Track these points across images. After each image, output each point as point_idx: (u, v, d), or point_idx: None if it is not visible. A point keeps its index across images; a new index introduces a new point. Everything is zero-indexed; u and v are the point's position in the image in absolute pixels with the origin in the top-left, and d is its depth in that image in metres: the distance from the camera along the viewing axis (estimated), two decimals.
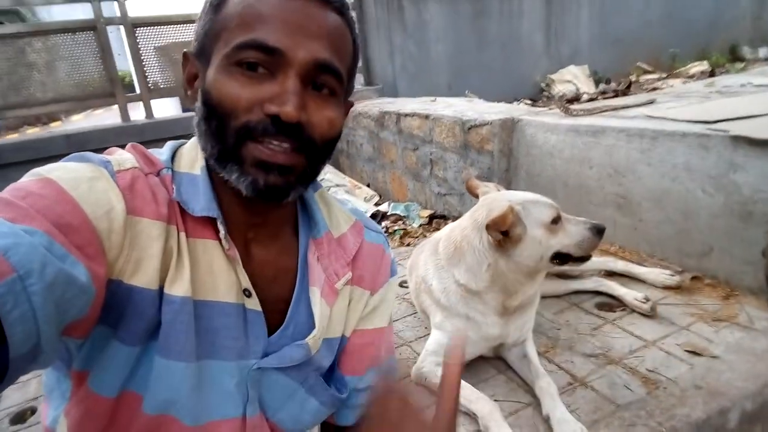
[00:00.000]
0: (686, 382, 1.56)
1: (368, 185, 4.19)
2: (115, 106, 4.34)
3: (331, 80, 0.68)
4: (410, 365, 1.73)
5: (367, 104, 4.33)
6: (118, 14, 4.14)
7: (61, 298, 0.50)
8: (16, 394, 1.87)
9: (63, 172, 0.60)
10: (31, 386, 1.91)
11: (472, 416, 1.48)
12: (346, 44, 0.71)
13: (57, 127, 9.00)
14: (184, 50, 0.73)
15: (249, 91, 0.64)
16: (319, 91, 0.68)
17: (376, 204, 3.90)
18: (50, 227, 0.52)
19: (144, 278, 0.64)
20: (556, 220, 1.56)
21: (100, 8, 4.03)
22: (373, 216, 3.64)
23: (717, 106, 2.51)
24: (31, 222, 0.51)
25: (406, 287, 2.19)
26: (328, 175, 4.21)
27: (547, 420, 1.44)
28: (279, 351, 0.76)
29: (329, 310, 0.81)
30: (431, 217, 3.41)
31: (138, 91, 4.36)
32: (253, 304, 0.73)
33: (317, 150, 0.69)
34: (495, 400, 1.52)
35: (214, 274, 0.70)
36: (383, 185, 4.08)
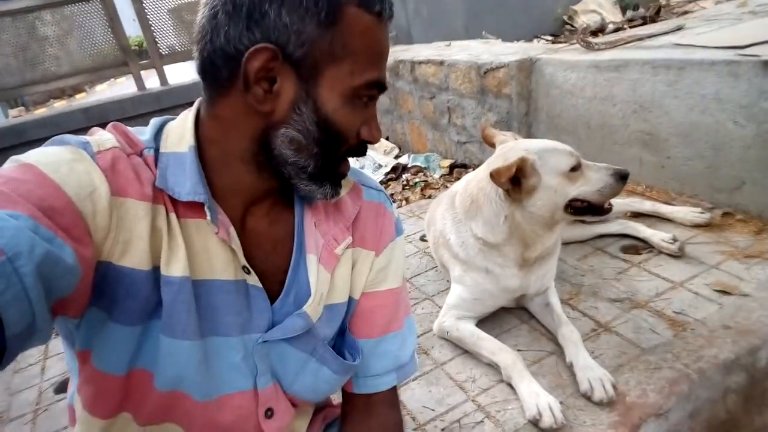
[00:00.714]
0: (715, 322, 1.52)
1: (387, 138, 4.13)
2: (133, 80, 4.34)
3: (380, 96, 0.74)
4: (432, 320, 1.74)
5: None
6: None
7: (49, 276, 0.50)
8: (59, 364, 1.97)
9: (42, 156, 0.60)
10: None
11: (495, 367, 1.49)
12: None
13: (82, 99, 9.11)
14: (263, 45, 0.62)
15: (359, 120, 0.71)
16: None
17: (396, 157, 3.86)
18: (34, 211, 0.52)
19: (134, 259, 0.64)
20: (575, 168, 1.50)
21: None
22: (394, 169, 3.60)
23: (749, 28, 2.34)
24: (14, 207, 0.51)
25: (427, 241, 2.18)
26: None
27: (570, 367, 1.44)
28: (282, 322, 0.76)
29: (329, 276, 0.80)
30: (452, 167, 3.35)
31: (150, 58, 4.33)
32: (253, 280, 0.74)
33: None
34: (518, 350, 1.53)
35: (210, 253, 0.70)
36: (402, 137, 4.02)
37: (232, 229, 0.71)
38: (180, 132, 0.71)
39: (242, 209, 0.74)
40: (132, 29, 4.36)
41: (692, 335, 1.50)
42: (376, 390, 0.89)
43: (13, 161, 0.59)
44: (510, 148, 1.55)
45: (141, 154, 0.69)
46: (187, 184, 0.67)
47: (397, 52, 4.05)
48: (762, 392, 1.48)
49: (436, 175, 3.36)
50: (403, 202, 3.11)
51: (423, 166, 3.52)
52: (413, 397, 1.49)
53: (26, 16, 3.79)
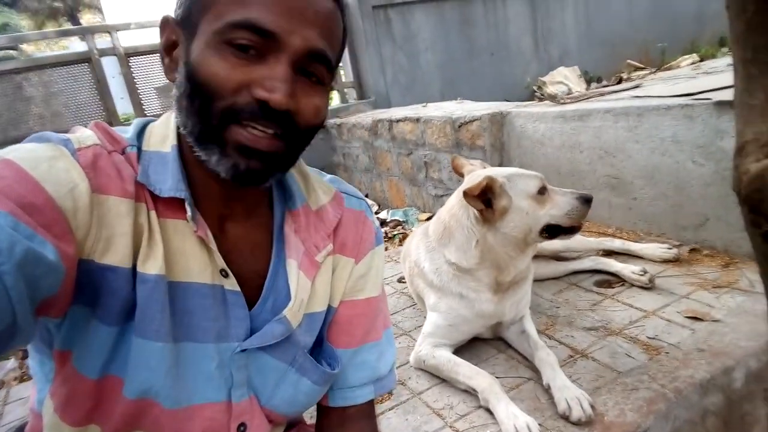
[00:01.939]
0: (688, 345, 1.53)
1: (366, 195, 4.20)
2: None
3: (321, 69, 0.66)
4: (409, 353, 1.71)
5: (361, 116, 4.37)
6: (112, 46, 4.23)
7: (31, 275, 0.49)
8: (18, 409, 1.87)
9: (22, 152, 0.59)
10: None
11: (473, 392, 1.46)
12: (339, 32, 0.69)
13: None
14: (164, 15, 0.68)
15: (238, 72, 0.61)
16: (308, 78, 0.66)
17: (375, 213, 3.91)
18: (14, 208, 0.51)
19: (116, 256, 0.63)
20: (542, 191, 1.56)
21: (93, 40, 4.12)
22: None
23: (701, 82, 2.52)
24: None
25: (404, 282, 2.18)
26: None
27: (548, 389, 1.42)
28: (261, 329, 0.74)
29: (309, 283, 0.78)
30: (429, 220, 3.40)
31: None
32: (231, 284, 0.72)
33: (299, 136, 0.68)
34: (495, 377, 1.50)
35: (187, 254, 0.69)
36: (381, 194, 4.09)
37: (208, 231, 0.69)
38: (163, 132, 0.71)
39: (218, 212, 0.73)
40: (120, 107, 4.47)
41: (667, 358, 1.50)
42: (352, 403, 0.85)
43: None
44: (478, 175, 1.60)
45: (123, 152, 0.68)
46: (169, 181, 0.67)
47: (376, 114, 4.22)
48: (741, 416, 1.47)
49: (414, 228, 3.40)
50: None
51: (402, 219, 3.57)
52: (389, 426, 1.44)
53: (14, 77, 3.89)
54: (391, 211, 3.79)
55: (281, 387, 0.78)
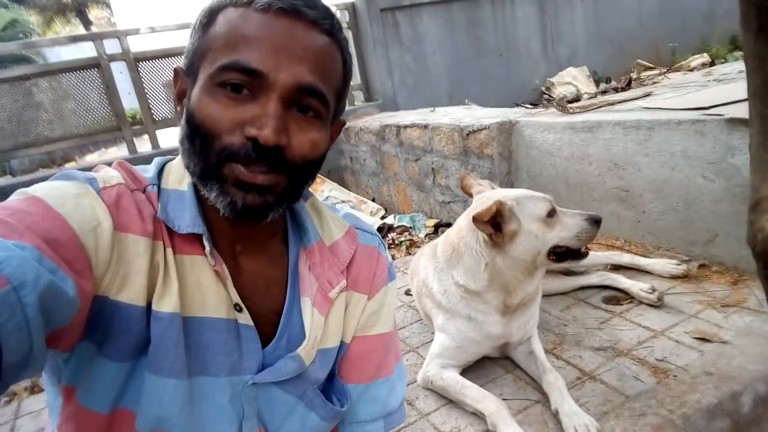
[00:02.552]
0: (696, 369, 1.53)
1: (373, 200, 4.21)
2: (125, 145, 4.43)
3: (315, 103, 0.67)
4: (416, 371, 1.72)
5: (368, 120, 4.37)
6: (121, 51, 4.25)
7: (48, 307, 0.51)
8: (30, 424, 1.90)
9: (49, 190, 0.61)
10: (44, 415, 1.93)
11: (480, 416, 1.47)
12: (334, 66, 0.70)
13: (71, 167, 9.19)
14: (175, 66, 0.73)
15: (231, 112, 0.63)
16: (305, 113, 0.67)
17: (382, 218, 3.92)
18: (39, 242, 0.53)
19: (131, 294, 0.64)
20: (551, 213, 1.55)
21: (103, 45, 4.14)
22: (380, 229, 3.65)
23: (713, 92, 2.50)
24: (20, 237, 0.52)
25: (411, 295, 2.18)
26: (333, 191, 4.24)
27: (556, 414, 1.42)
28: (274, 365, 0.75)
29: (323, 319, 0.79)
30: (437, 226, 3.41)
31: (144, 123, 4.46)
32: (245, 318, 0.73)
33: (298, 171, 0.68)
34: (503, 399, 1.51)
35: (203, 290, 0.70)
36: (388, 198, 4.10)
37: (224, 266, 0.71)
38: (181, 171, 0.73)
39: (232, 248, 0.75)
40: (126, 103, 4.49)
41: (675, 382, 1.50)
42: None
43: (20, 194, 0.60)
44: (487, 198, 1.60)
45: (144, 191, 0.70)
46: (187, 218, 0.69)
47: (383, 118, 4.21)
48: None
49: (422, 235, 3.41)
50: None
51: (408, 225, 3.57)
52: None
53: (23, 83, 3.91)
54: (398, 216, 3.79)
55: (289, 420, 0.79)
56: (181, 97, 0.71)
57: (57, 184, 0.63)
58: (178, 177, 0.73)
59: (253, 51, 0.63)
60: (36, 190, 0.61)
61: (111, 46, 4.26)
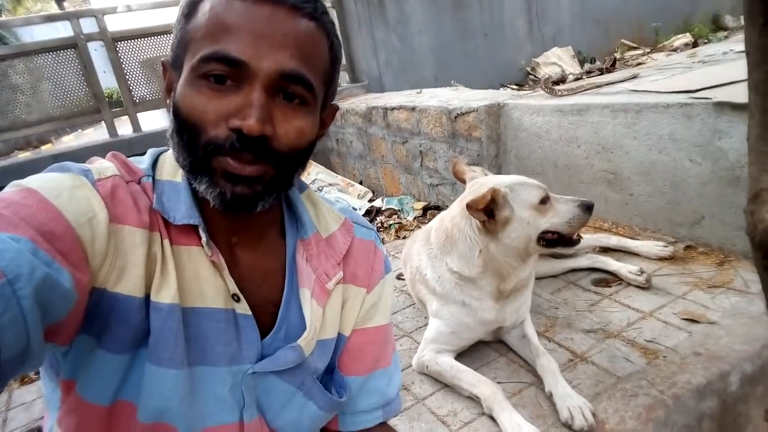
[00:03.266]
0: (685, 349, 1.57)
1: (360, 182, 4.19)
2: (104, 126, 4.33)
3: (300, 89, 0.66)
4: (411, 356, 1.74)
5: (354, 101, 4.33)
6: (98, 30, 4.12)
7: (45, 300, 0.50)
8: (22, 415, 1.88)
9: (44, 182, 0.60)
10: (36, 407, 1.92)
11: (476, 399, 1.49)
12: (319, 50, 0.68)
13: (48, 149, 8.98)
14: (162, 59, 0.72)
15: (215, 104, 0.62)
16: (290, 101, 0.66)
17: (370, 200, 3.91)
18: (34, 234, 0.52)
19: (128, 286, 0.64)
20: (544, 201, 1.56)
21: (80, 25, 4.02)
22: (368, 212, 3.64)
23: (699, 75, 2.52)
24: (15, 230, 0.51)
25: (404, 279, 2.19)
26: (320, 174, 4.21)
27: (550, 396, 1.45)
28: (273, 354, 0.75)
29: (321, 310, 0.80)
30: (425, 209, 3.41)
31: (124, 105, 4.35)
32: (243, 308, 0.73)
33: (286, 160, 0.67)
34: (498, 383, 1.53)
35: (201, 280, 0.70)
36: (376, 181, 4.09)
37: (221, 257, 0.71)
38: (175, 162, 0.72)
39: (228, 239, 0.74)
40: (104, 81, 4.38)
41: (665, 362, 1.53)
42: (362, 427, 0.88)
43: (15, 185, 0.59)
44: (481, 184, 1.61)
45: (140, 182, 0.70)
46: (182, 209, 0.68)
47: (369, 100, 4.18)
48: (734, 418, 1.52)
49: (410, 217, 3.41)
50: None
51: (397, 208, 3.57)
52: None
53: None
54: (386, 198, 3.79)
55: (287, 409, 0.79)
56: (169, 90, 0.70)
57: (51, 176, 0.63)
58: (173, 168, 0.72)
59: (233, 40, 0.61)
60: (30, 181, 0.60)
61: (87, 26, 4.13)
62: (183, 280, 0.68)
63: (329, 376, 0.86)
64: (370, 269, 0.87)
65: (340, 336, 0.85)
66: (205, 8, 0.64)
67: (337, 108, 0.81)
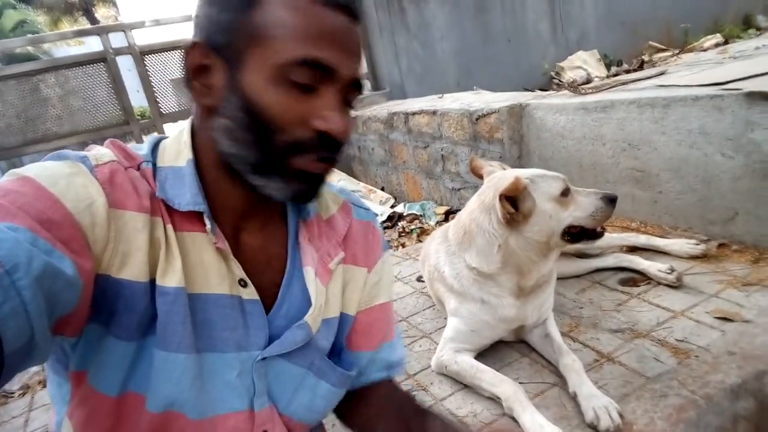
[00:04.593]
0: (718, 348, 1.48)
1: (382, 189, 4.18)
2: (133, 139, 4.44)
3: (357, 95, 0.71)
4: (430, 357, 1.70)
5: (376, 108, 4.33)
6: (127, 45, 4.23)
7: (50, 291, 0.49)
8: (43, 416, 1.90)
9: (40, 170, 0.60)
10: None
11: (496, 400, 1.43)
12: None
13: None
14: (190, 39, 0.68)
15: (300, 107, 0.64)
16: (348, 104, 0.70)
17: (392, 206, 3.88)
18: (33, 223, 0.52)
19: (132, 271, 0.64)
20: (565, 193, 1.51)
21: (109, 39, 4.14)
22: (389, 218, 3.62)
23: (729, 69, 2.43)
24: (12, 219, 0.51)
25: (423, 281, 2.15)
26: (341, 182, 4.21)
27: (574, 397, 1.39)
28: (280, 337, 0.75)
29: (324, 289, 0.80)
30: (447, 213, 3.37)
31: (152, 117, 4.45)
32: (250, 293, 0.73)
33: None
34: (519, 383, 1.47)
35: (206, 266, 0.70)
36: (397, 187, 4.06)
37: (225, 242, 0.71)
38: (176, 147, 0.72)
39: (235, 224, 0.74)
40: (135, 101, 4.49)
41: (697, 362, 1.45)
42: (368, 381, 0.91)
43: (11, 175, 0.59)
44: (500, 177, 1.57)
45: (139, 168, 0.69)
46: (187, 195, 0.68)
47: (391, 106, 4.17)
48: None
49: (432, 222, 3.37)
50: (399, 248, 3.10)
51: (419, 213, 3.53)
52: None
53: (30, 79, 3.91)
54: (407, 204, 3.76)
55: (299, 393, 0.79)
56: (197, 71, 0.67)
57: (48, 164, 0.62)
58: (174, 153, 0.72)
59: (326, 46, 0.63)
60: (27, 170, 0.60)
61: (117, 41, 4.25)
62: (187, 266, 0.68)
63: (336, 359, 0.86)
64: (369, 249, 0.90)
65: (343, 315, 0.86)
66: (280, 6, 0.63)
67: None
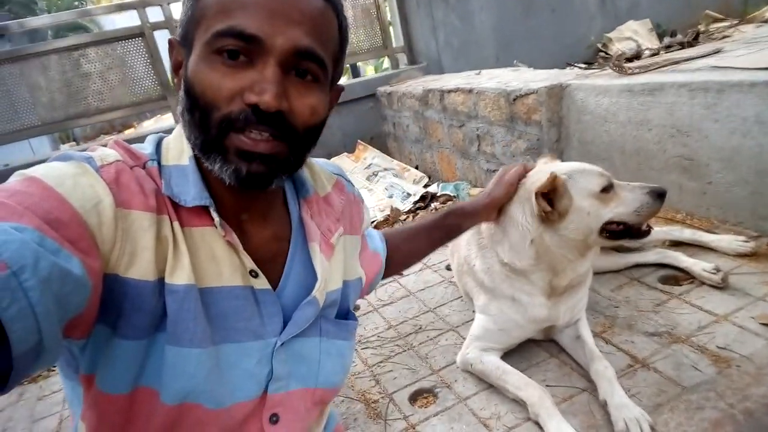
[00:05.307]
0: (763, 358, 1.40)
1: (416, 167, 4.10)
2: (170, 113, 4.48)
3: (313, 67, 0.67)
4: (456, 351, 1.66)
5: (411, 84, 4.22)
6: (164, 19, 4.23)
7: (59, 292, 0.49)
8: (54, 408, 1.93)
9: (47, 170, 0.61)
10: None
11: (522, 403, 1.40)
12: (330, 30, 0.71)
13: (130, 133, 9.51)
14: (170, 37, 0.73)
15: (229, 80, 0.63)
16: (303, 78, 0.67)
17: (426, 186, 3.81)
18: (40, 223, 0.52)
19: (140, 270, 0.64)
20: (607, 189, 1.42)
21: (146, 13, 4.14)
22: (422, 198, 3.56)
23: None
24: (19, 219, 0.51)
25: (451, 270, 2.11)
26: (376, 159, 4.16)
27: (604, 405, 1.34)
28: (292, 318, 0.77)
29: (328, 264, 0.83)
30: None
31: None
32: (262, 283, 0.74)
33: (299, 138, 0.69)
34: (546, 386, 1.43)
35: (217, 260, 0.71)
36: (432, 166, 3.98)
37: (234, 235, 0.72)
38: (179, 146, 0.74)
39: (238, 216, 0.75)
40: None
41: (738, 372, 1.37)
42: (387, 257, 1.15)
43: (18, 175, 0.59)
44: (536, 171, 1.49)
45: (144, 167, 0.70)
46: (192, 191, 0.69)
47: (427, 82, 4.06)
48: None
49: None
50: None
51: (452, 194, 3.46)
52: None
53: (72, 53, 3.97)
54: (441, 184, 3.68)
55: (323, 361, 0.82)
56: (177, 68, 0.71)
57: (54, 164, 0.63)
58: (177, 152, 0.73)
59: (248, 16, 0.63)
60: (34, 171, 0.60)
61: (154, 15, 4.25)
62: (197, 261, 0.69)
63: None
64: (358, 218, 0.98)
65: (345, 283, 0.89)
66: None
67: (342, 89, 0.82)
